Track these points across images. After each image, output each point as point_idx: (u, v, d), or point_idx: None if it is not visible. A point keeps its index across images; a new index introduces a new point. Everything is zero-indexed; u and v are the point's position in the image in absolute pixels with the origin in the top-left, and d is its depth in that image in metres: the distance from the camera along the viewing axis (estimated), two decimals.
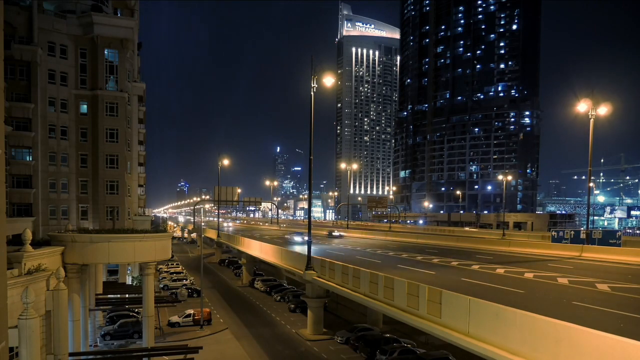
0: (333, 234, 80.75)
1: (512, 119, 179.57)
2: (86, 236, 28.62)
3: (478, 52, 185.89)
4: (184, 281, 65.28)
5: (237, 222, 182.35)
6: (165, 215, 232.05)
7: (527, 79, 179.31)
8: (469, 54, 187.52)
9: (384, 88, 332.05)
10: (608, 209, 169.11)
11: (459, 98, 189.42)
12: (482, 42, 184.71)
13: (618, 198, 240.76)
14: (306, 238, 54.74)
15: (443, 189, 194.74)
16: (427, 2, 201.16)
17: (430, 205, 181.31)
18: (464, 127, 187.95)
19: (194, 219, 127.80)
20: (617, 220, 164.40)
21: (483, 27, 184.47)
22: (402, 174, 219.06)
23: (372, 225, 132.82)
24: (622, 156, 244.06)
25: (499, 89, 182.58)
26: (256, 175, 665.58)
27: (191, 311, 45.47)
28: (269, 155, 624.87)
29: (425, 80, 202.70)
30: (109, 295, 42.95)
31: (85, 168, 46.25)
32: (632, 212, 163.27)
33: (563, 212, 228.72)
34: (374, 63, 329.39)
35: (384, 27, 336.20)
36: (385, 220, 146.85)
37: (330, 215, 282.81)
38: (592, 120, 42.28)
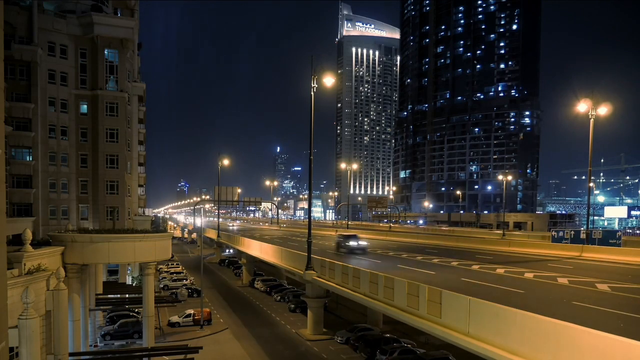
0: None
1: (512, 119, 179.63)
2: (86, 236, 28.61)
3: (478, 52, 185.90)
4: (184, 281, 65.30)
5: (237, 222, 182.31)
6: (165, 216, 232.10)
7: (527, 79, 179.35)
8: (469, 54, 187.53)
9: (384, 88, 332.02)
10: (608, 209, 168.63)
11: (459, 98, 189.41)
12: (482, 42, 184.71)
13: (618, 198, 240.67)
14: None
15: (443, 189, 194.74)
16: (427, 2, 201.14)
17: (430, 205, 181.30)
18: (464, 127, 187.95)
19: (194, 219, 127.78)
20: (617, 220, 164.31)
21: (483, 27, 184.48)
22: (402, 174, 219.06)
23: (372, 225, 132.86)
24: (622, 156, 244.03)
25: (499, 89, 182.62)
26: (256, 175, 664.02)
27: (191, 311, 45.47)
28: (269, 155, 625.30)
29: (425, 80, 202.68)
30: (109, 295, 42.94)
31: (85, 168, 46.27)
32: (633, 212, 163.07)
33: (563, 212, 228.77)
34: (374, 63, 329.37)
35: (384, 27, 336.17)
36: (386, 220, 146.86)
37: (331, 215, 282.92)
38: (592, 120, 42.27)
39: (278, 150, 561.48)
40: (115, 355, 28.87)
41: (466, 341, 17.99)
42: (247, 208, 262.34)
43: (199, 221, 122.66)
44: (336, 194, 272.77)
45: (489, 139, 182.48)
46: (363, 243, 46.89)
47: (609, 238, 45.73)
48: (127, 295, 44.39)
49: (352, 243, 45.73)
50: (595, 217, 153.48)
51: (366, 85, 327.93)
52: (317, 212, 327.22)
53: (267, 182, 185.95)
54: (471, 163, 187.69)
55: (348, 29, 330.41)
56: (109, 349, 35.53)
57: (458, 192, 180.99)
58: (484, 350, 16.96)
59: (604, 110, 41.99)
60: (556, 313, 16.94)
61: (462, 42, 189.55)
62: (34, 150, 42.93)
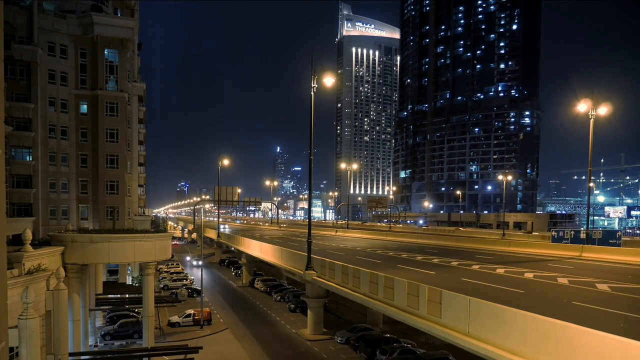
0: None
1: (512, 119, 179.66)
2: (86, 236, 28.60)
3: (478, 52, 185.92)
4: (184, 281, 65.30)
5: (237, 222, 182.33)
6: (165, 215, 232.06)
7: (527, 79, 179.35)
8: (469, 54, 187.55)
9: (384, 88, 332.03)
10: (608, 209, 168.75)
11: (459, 98, 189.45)
12: (482, 42, 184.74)
13: (618, 198, 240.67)
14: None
15: (443, 189, 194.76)
16: (427, 2, 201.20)
17: (430, 205, 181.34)
18: (464, 127, 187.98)
19: (194, 219, 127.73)
20: (617, 220, 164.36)
21: (483, 27, 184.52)
22: (402, 174, 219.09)
23: (372, 225, 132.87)
24: (622, 156, 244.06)
25: (499, 89, 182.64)
26: (256, 175, 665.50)
27: (191, 311, 45.46)
28: (269, 155, 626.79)
29: (425, 80, 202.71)
30: (109, 295, 42.92)
31: (85, 168, 46.26)
32: (632, 212, 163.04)
33: (563, 212, 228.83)
34: (374, 63, 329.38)
35: (384, 27, 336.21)
36: (386, 220, 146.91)
37: (331, 215, 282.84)
38: (592, 120, 42.28)
39: (278, 150, 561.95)
40: (115, 355, 28.88)
41: (466, 341, 17.99)
42: (247, 208, 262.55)
43: (199, 221, 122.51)
44: (336, 194, 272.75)
45: (489, 139, 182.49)
46: None
47: (609, 238, 45.73)
48: (127, 295, 44.38)
49: None
50: (595, 217, 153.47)
51: (366, 85, 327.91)
52: (317, 212, 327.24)
53: (267, 182, 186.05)
54: (471, 163, 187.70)
55: (348, 29, 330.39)
56: (109, 349, 35.55)
57: (458, 192, 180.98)
58: (484, 350, 16.96)
59: (604, 110, 42.00)
60: (556, 313, 16.94)
61: (462, 42, 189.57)
62: (34, 150, 42.92)
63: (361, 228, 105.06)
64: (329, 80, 34.62)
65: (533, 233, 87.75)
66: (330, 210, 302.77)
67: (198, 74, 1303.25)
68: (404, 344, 35.77)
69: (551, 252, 44.32)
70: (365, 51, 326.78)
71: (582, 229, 57.91)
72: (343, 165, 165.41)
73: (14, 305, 18.54)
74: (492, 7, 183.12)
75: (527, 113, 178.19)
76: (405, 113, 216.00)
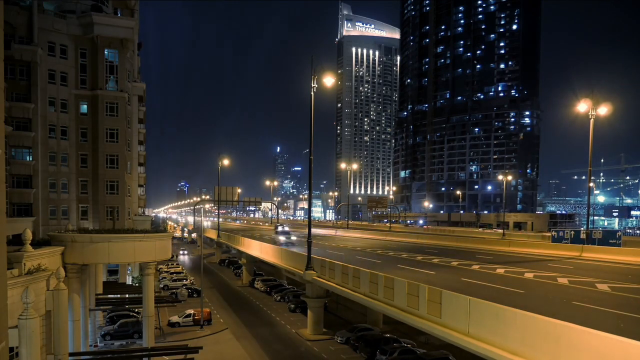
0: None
1: (512, 119, 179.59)
2: (86, 236, 28.60)
3: (478, 52, 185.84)
4: (184, 281, 65.30)
5: (237, 222, 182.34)
6: (165, 215, 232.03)
7: (527, 79, 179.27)
8: (469, 54, 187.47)
9: (384, 88, 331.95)
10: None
11: (459, 98, 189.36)
12: (482, 42, 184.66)
13: (618, 198, 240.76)
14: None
15: (443, 189, 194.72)
16: (427, 2, 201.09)
17: (430, 205, 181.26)
18: (464, 127, 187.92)
19: (194, 218, 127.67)
20: (617, 220, 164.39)
21: (483, 27, 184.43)
22: (402, 174, 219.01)
23: (372, 225, 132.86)
24: (622, 156, 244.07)
25: (499, 89, 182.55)
26: (256, 175, 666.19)
27: (191, 311, 45.46)
28: (269, 155, 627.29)
29: (425, 80, 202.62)
30: (109, 295, 42.90)
31: (85, 168, 46.26)
32: (632, 212, 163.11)
33: (563, 212, 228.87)
34: (374, 63, 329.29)
35: (384, 27, 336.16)
36: (385, 220, 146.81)
37: (331, 215, 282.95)
38: (592, 120, 42.29)
39: (278, 150, 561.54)
40: (115, 355, 28.86)
41: (466, 341, 17.99)
42: (247, 208, 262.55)
43: (200, 221, 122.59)
44: (336, 194, 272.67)
45: (489, 139, 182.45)
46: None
47: (609, 238, 45.74)
48: (127, 295, 44.36)
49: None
50: (596, 217, 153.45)
51: (366, 85, 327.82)
52: (317, 212, 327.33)
53: (267, 182, 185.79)
54: (471, 163, 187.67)
55: (348, 29, 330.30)
56: (109, 349, 35.54)
57: (458, 192, 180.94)
58: (484, 350, 16.96)
59: (603, 110, 42.02)
60: (556, 313, 16.95)
61: (462, 42, 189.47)
62: (34, 150, 42.91)
63: (361, 228, 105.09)
64: (329, 80, 34.64)
65: (531, 232, 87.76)
66: (330, 210, 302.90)
67: (198, 74, 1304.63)
68: (404, 344, 35.76)
69: (551, 252, 44.32)
70: (365, 51, 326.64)
71: (582, 229, 57.92)
72: (343, 165, 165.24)
73: (14, 305, 18.54)
74: (492, 7, 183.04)
75: (527, 113, 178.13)
76: (405, 113, 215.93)
